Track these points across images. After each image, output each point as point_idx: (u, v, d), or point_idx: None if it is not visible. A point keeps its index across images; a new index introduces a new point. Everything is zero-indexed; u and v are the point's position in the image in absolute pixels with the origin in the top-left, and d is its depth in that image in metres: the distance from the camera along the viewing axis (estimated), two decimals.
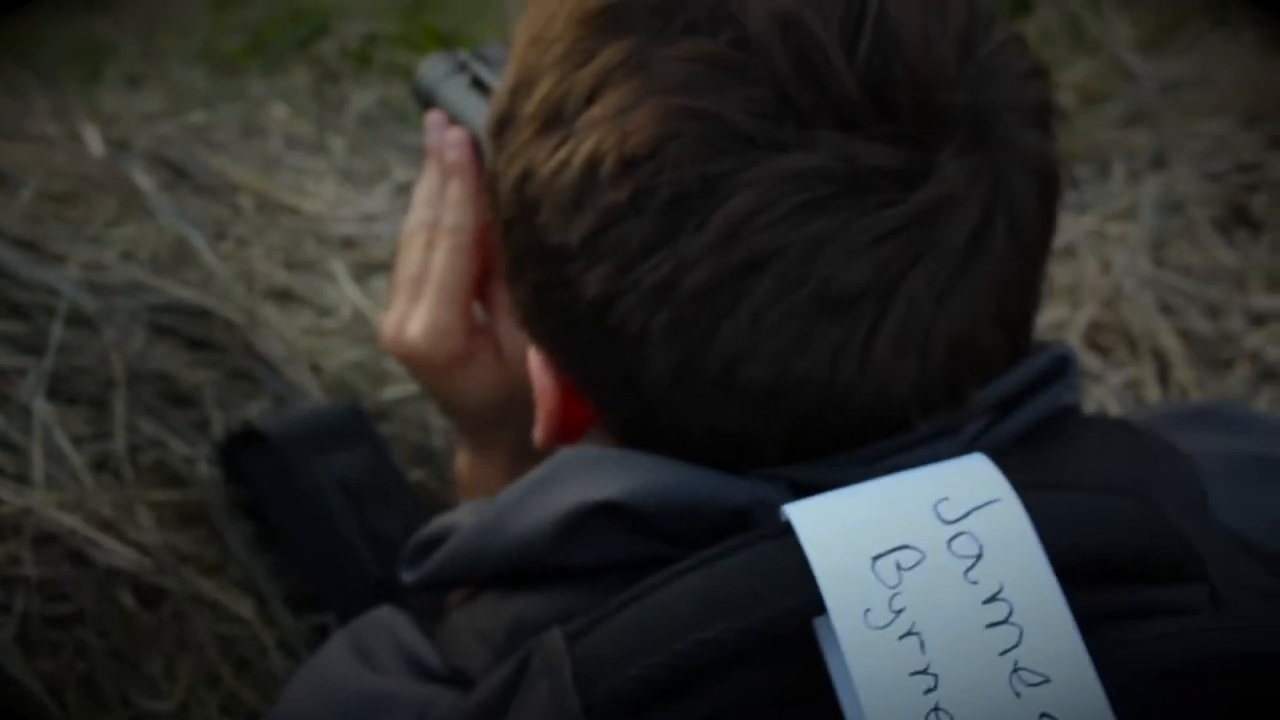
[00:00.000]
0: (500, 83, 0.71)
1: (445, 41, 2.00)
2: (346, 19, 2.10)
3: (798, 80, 0.40)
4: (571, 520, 0.43)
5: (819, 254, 0.40)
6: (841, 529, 0.35)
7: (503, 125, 0.49)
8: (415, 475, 0.90)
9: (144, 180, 1.04)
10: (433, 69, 0.75)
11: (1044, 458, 0.44)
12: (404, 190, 1.71)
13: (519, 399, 0.62)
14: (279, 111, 1.92)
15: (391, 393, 0.94)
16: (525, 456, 0.72)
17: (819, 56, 0.40)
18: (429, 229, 0.68)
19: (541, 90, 0.45)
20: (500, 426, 0.70)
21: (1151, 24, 1.55)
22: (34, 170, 0.96)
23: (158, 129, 1.40)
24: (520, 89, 0.48)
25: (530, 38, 0.48)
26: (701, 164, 0.40)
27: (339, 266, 1.11)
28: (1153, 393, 1.02)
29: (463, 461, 0.74)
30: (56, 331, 0.81)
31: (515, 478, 0.49)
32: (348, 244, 1.28)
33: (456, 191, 0.67)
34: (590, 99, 0.43)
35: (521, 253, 0.47)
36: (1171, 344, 1.04)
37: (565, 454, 0.47)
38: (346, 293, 1.06)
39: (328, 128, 1.87)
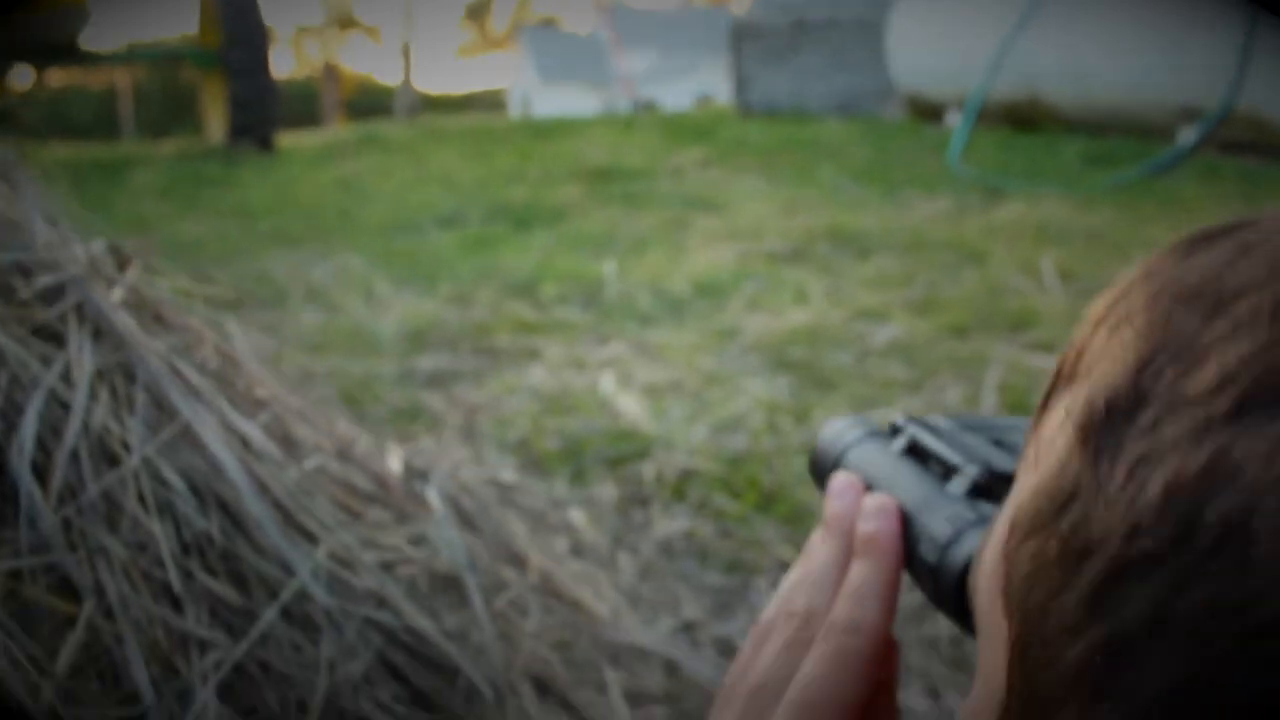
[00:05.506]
0: (949, 452, 0.50)
1: (766, 496, 1.85)
2: (670, 451, 2.00)
3: None
4: None
5: None
6: None
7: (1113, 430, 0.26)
8: None
9: (435, 502, 0.87)
10: (846, 430, 0.56)
11: None
12: (688, 631, 1.49)
13: None
14: (578, 516, 1.77)
15: None
16: None
17: None
18: (804, 620, 0.46)
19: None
20: None
21: None
22: (327, 447, 0.81)
23: (461, 474, 1.26)
24: (1159, 364, 0.26)
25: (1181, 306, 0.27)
26: None
27: (614, 680, 0.88)
28: None
29: None
30: (266, 618, 0.61)
31: None
32: (618, 660, 1.05)
33: (864, 576, 0.46)
34: None
35: None
36: None
37: None
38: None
39: (623, 546, 1.70)
